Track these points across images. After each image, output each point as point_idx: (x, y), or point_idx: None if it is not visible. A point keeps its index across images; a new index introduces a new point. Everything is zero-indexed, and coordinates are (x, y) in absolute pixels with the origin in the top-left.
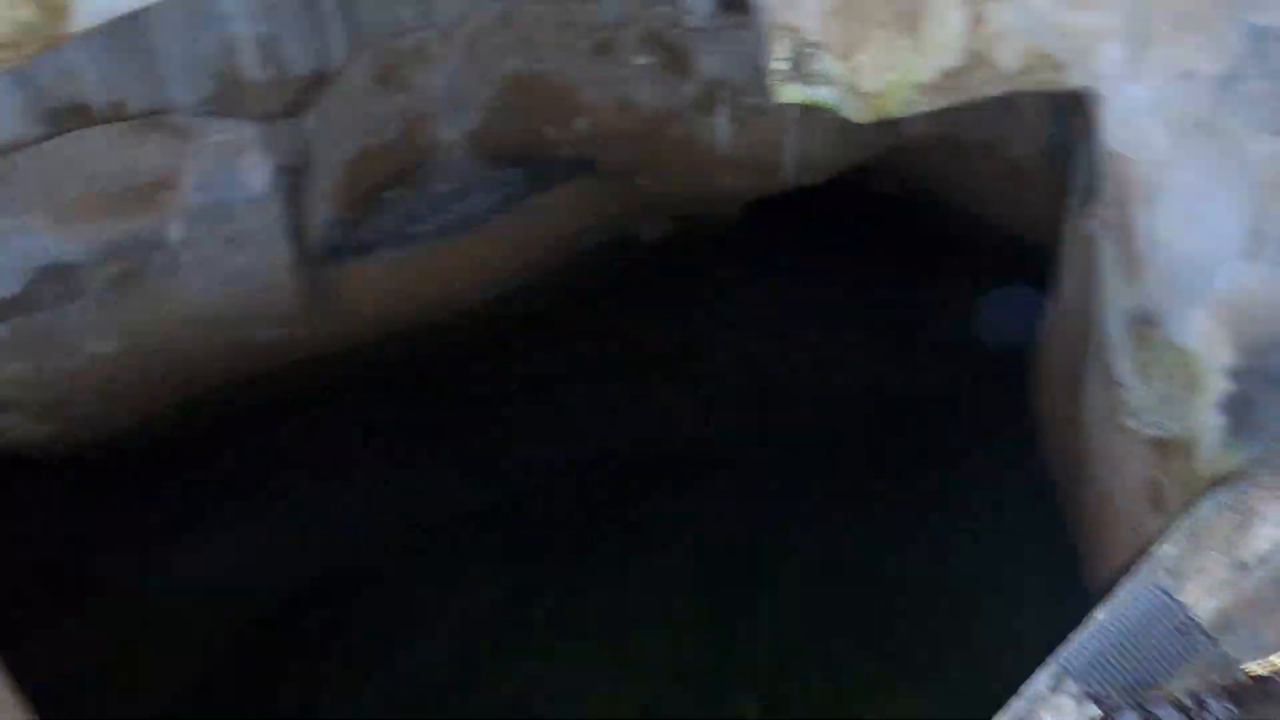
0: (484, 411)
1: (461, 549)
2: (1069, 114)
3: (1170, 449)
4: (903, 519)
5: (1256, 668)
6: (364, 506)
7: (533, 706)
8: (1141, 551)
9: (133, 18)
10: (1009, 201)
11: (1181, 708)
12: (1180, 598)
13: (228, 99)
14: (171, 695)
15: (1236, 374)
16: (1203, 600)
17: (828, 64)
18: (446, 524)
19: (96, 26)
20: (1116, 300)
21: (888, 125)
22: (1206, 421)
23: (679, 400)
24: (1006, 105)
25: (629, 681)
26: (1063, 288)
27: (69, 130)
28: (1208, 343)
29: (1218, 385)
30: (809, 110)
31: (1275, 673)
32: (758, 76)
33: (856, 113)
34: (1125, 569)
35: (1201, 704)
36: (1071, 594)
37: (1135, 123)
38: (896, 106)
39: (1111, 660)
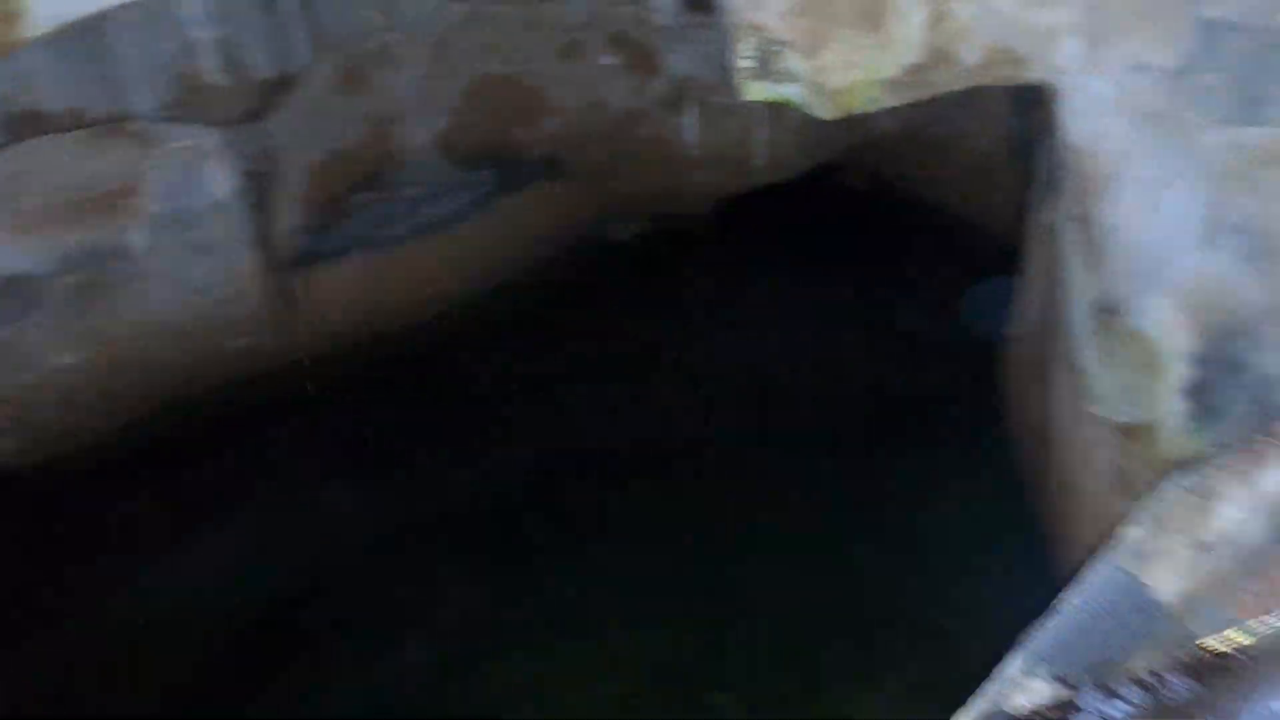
0: (460, 415)
1: (440, 555)
2: (1031, 108)
3: (1134, 435)
4: (873, 511)
5: (1216, 644)
6: (339, 515)
7: (520, 707)
8: (1107, 536)
9: (89, 23)
10: (976, 195)
11: (1143, 685)
12: (1145, 579)
13: (188, 104)
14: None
15: (1197, 360)
16: (1167, 581)
17: (793, 62)
18: (426, 527)
19: (53, 32)
20: (1080, 290)
21: (857, 122)
22: (1169, 407)
23: (642, 402)
24: (970, 100)
25: (617, 681)
26: (1029, 279)
27: (25, 138)
28: (1168, 330)
29: (1179, 371)
30: (778, 108)
31: (1235, 649)
32: (725, 75)
33: (823, 110)
34: (1092, 553)
35: (1162, 680)
36: (1042, 580)
37: (1094, 115)
38: (862, 103)
39: (1076, 641)
